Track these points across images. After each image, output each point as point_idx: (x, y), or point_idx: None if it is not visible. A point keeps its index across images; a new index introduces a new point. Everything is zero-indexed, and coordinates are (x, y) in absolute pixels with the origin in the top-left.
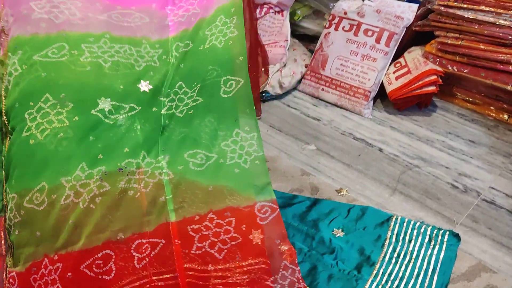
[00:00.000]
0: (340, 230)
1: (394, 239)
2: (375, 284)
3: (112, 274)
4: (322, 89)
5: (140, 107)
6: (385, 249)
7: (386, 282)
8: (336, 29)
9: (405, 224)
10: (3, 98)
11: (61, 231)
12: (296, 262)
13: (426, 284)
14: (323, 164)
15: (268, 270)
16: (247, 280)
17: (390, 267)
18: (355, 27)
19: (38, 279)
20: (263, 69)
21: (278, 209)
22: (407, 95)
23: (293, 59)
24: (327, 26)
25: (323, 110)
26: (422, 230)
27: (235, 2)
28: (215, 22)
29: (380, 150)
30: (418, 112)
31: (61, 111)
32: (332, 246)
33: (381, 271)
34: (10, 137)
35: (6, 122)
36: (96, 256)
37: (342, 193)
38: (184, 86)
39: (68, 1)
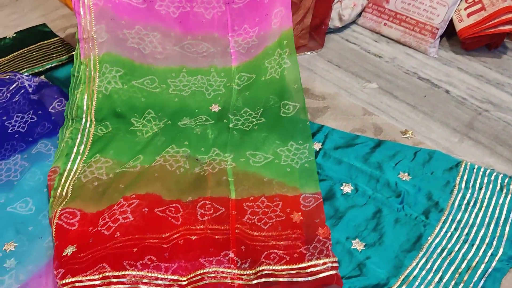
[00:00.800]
0: (406, 174)
1: (463, 186)
2: (444, 230)
3: (179, 222)
4: (385, 24)
5: (213, 121)
6: (454, 196)
7: (456, 229)
8: None
9: (474, 170)
10: (92, 95)
11: (144, 181)
12: (330, 237)
13: (497, 234)
14: (386, 103)
15: (303, 240)
16: (284, 244)
17: (460, 214)
18: None
19: (106, 216)
20: None
21: (321, 200)
22: (479, 34)
23: None
24: None
25: (385, 47)
26: (492, 177)
27: (287, 35)
28: (273, 56)
29: (447, 92)
30: (488, 53)
31: (158, 122)
32: (398, 190)
33: (450, 217)
34: (86, 126)
35: (86, 115)
36: (169, 206)
37: (407, 135)
38: (248, 110)
39: (150, 33)
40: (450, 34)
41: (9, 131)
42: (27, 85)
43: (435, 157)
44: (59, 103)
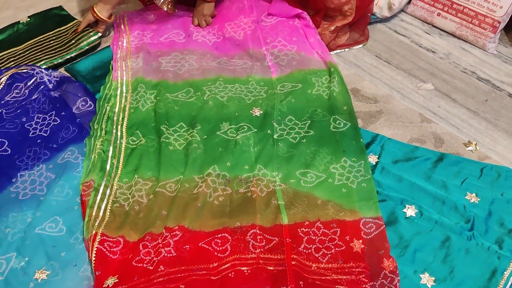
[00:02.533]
0: (474, 195)
1: None
2: None
3: (227, 253)
4: (438, 14)
5: (256, 129)
6: None
7: None
8: None
9: None
10: (124, 110)
11: (187, 211)
12: (397, 272)
13: None
14: (445, 108)
15: (368, 275)
16: (346, 279)
17: None
18: None
19: (149, 245)
20: None
21: (384, 226)
22: None
23: None
24: None
25: (438, 40)
26: None
27: (333, 65)
28: (321, 78)
29: (510, 95)
30: None
31: (192, 131)
32: (467, 214)
33: None
34: (118, 137)
35: (117, 127)
36: (215, 236)
37: (471, 147)
38: (294, 119)
39: (186, 56)
40: (508, 26)
41: (30, 135)
42: (46, 80)
43: (503, 175)
44: (84, 103)
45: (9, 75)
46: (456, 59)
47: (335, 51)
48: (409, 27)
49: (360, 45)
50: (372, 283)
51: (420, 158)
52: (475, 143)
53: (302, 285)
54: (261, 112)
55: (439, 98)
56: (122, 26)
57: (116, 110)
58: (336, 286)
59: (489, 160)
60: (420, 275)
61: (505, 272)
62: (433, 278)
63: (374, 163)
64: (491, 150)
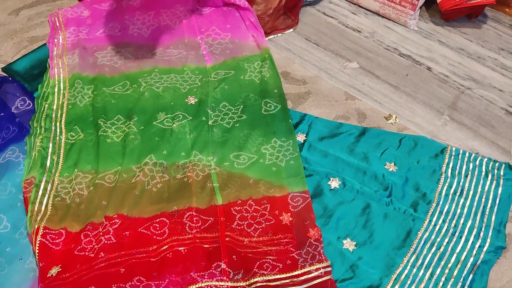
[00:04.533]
0: (393, 164)
1: (449, 173)
2: (432, 223)
3: (165, 236)
4: None
5: (191, 117)
6: (440, 185)
7: (444, 221)
8: None
9: (460, 156)
10: (62, 106)
11: (126, 200)
12: (321, 240)
13: (484, 224)
14: (368, 85)
15: (295, 244)
16: (275, 250)
17: (447, 205)
18: None
19: (90, 234)
20: None
21: (310, 199)
22: (460, 6)
23: None
24: None
25: (363, 20)
26: (477, 162)
27: (267, 51)
28: (253, 64)
29: (429, 69)
30: (467, 24)
31: (129, 122)
32: (385, 182)
33: (438, 209)
34: (57, 134)
35: (56, 123)
36: (154, 221)
37: (391, 120)
38: (227, 105)
39: (122, 49)
40: (428, 2)
41: None
42: None
43: (420, 144)
44: (22, 102)
45: None
46: (380, 37)
47: (269, 37)
48: (336, 8)
49: (291, 29)
50: (299, 251)
51: (344, 133)
52: (395, 116)
53: (235, 259)
54: (196, 100)
55: (363, 76)
56: (57, 23)
57: (54, 107)
58: (267, 257)
59: (408, 131)
60: (343, 241)
61: (418, 232)
62: (354, 243)
63: (302, 141)
64: (410, 121)
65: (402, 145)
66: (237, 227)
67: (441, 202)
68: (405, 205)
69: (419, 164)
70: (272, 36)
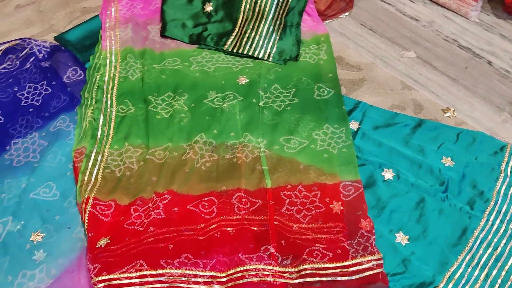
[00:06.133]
0: (449, 159)
1: (509, 172)
2: (489, 223)
3: (213, 215)
4: None
5: (242, 98)
6: (499, 184)
7: (502, 221)
8: None
9: None
10: (113, 79)
11: (175, 177)
12: (373, 231)
13: None
14: (425, 76)
15: (346, 234)
16: (325, 238)
17: (505, 205)
18: None
19: (139, 209)
20: None
21: (362, 189)
22: None
23: None
24: None
25: (422, 8)
26: None
27: (324, 36)
28: (308, 46)
29: (489, 63)
30: None
31: (179, 98)
32: (441, 177)
33: (496, 208)
34: (108, 106)
35: (107, 95)
36: (203, 199)
37: (448, 113)
38: (279, 88)
39: None
40: None
41: (22, 104)
42: (36, 51)
43: (479, 140)
44: (74, 72)
45: (2, 50)
46: (438, 27)
47: (325, 22)
48: None
49: (346, 13)
50: (350, 241)
51: (400, 124)
52: (453, 109)
53: (283, 244)
54: (247, 80)
55: (420, 66)
56: None
57: (106, 79)
58: (316, 245)
59: (466, 126)
60: (395, 234)
61: (475, 231)
62: (407, 237)
63: (356, 129)
64: (468, 116)
65: (460, 140)
66: (286, 212)
67: (499, 202)
68: (461, 202)
69: (477, 160)
70: (327, 21)
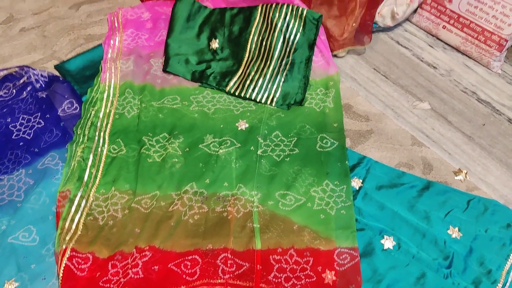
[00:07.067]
0: (457, 229)
1: None
2: None
3: (195, 277)
4: (444, 27)
5: (240, 145)
6: (509, 263)
7: None
8: None
9: None
10: (109, 115)
11: (160, 230)
12: None
13: None
14: (439, 131)
15: None
16: None
17: None
18: None
19: (118, 264)
20: None
21: (358, 258)
22: None
23: None
24: None
25: (441, 55)
26: None
27: (334, 78)
28: (315, 90)
29: (510, 121)
30: None
31: (174, 141)
32: (446, 250)
33: None
34: (99, 145)
35: (100, 133)
36: (186, 258)
37: (460, 176)
38: (280, 135)
39: None
40: None
41: (13, 137)
42: (34, 80)
43: (491, 209)
44: (69, 105)
45: (1, 77)
46: (457, 77)
47: (343, 49)
48: (412, 38)
49: (363, 47)
50: None
51: (406, 185)
52: (465, 171)
53: None
54: (247, 125)
55: (434, 119)
56: (116, 23)
57: (101, 115)
58: None
59: (478, 192)
60: None
61: None
62: None
63: (357, 188)
64: (482, 180)
65: (470, 208)
66: (273, 279)
67: (507, 284)
68: (465, 281)
69: (487, 233)
70: (347, 49)
